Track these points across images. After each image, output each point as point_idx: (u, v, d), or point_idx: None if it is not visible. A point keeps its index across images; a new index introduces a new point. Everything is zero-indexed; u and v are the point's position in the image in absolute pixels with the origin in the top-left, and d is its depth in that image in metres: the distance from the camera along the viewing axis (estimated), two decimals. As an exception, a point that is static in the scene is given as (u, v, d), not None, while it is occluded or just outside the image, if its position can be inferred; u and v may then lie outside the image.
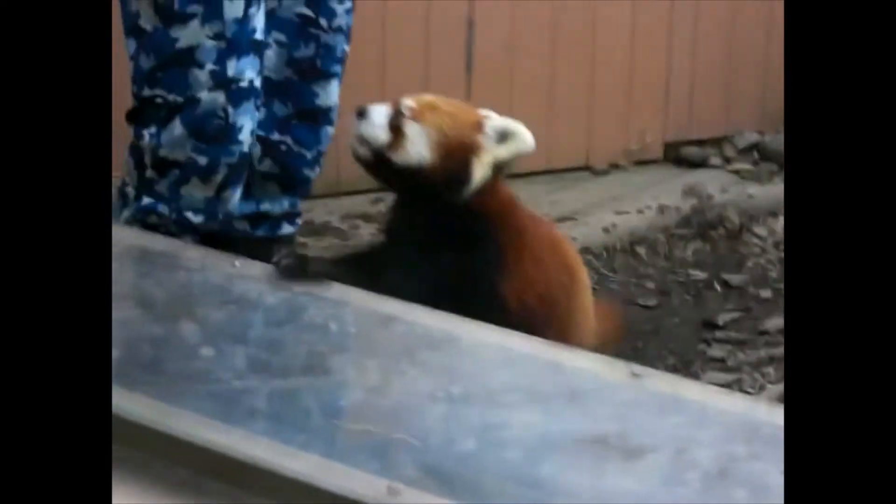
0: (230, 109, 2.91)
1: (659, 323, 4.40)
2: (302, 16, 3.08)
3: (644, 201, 5.29)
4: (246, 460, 1.83)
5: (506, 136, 2.72)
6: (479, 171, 2.66)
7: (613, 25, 5.57)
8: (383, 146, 2.61)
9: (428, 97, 2.72)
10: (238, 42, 2.90)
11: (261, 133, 3.09)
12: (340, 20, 3.11)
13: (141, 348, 2.12)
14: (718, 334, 4.25)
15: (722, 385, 3.30)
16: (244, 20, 2.90)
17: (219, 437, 1.86)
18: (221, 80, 2.90)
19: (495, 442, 1.96)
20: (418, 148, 2.63)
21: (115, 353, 2.08)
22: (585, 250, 4.95)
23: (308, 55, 3.10)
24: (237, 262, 2.46)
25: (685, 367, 4.03)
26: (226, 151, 2.93)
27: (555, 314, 2.71)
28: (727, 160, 5.65)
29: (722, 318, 4.35)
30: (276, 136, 3.14)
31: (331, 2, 3.09)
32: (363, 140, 2.62)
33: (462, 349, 2.20)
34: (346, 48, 3.14)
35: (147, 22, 2.91)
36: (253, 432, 1.90)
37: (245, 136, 2.95)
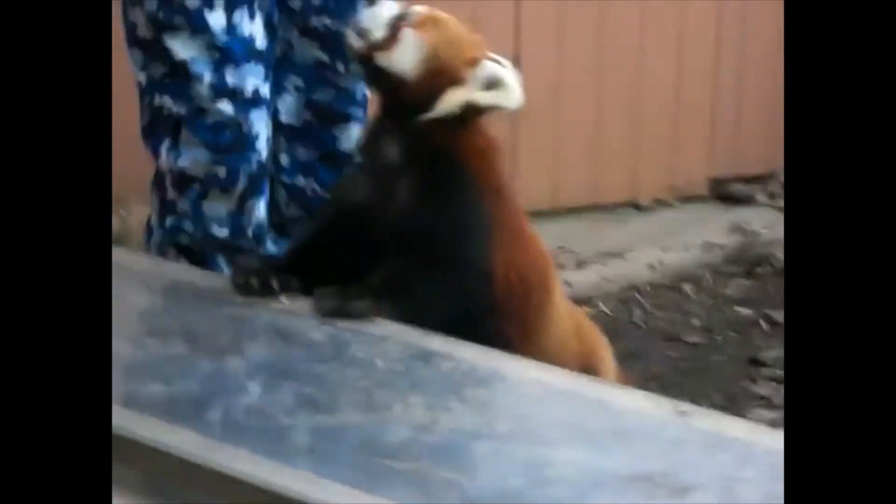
0: (241, 118, 2.90)
1: (704, 360, 4.39)
2: (318, 61, 3.06)
3: (690, 238, 5.28)
4: (292, 496, 1.83)
5: (495, 84, 2.56)
6: (446, 104, 2.52)
7: (659, 62, 5.57)
8: (375, 43, 2.53)
9: (440, 13, 2.61)
10: (231, 50, 2.89)
11: (286, 179, 3.09)
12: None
13: (188, 384, 2.13)
14: (764, 372, 4.24)
15: (768, 423, 3.27)
16: (231, 28, 2.88)
17: (265, 474, 1.87)
18: (223, 90, 2.89)
19: (542, 479, 1.95)
20: (405, 58, 2.53)
21: (162, 389, 2.10)
22: (631, 287, 4.95)
23: (326, 100, 3.08)
24: (284, 299, 2.46)
25: (731, 404, 4.02)
26: (243, 160, 2.91)
27: (530, 303, 2.61)
28: (773, 197, 5.64)
29: (768, 356, 4.34)
30: (301, 181, 3.11)
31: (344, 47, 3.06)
32: (360, 31, 2.54)
33: (507, 386, 2.20)
34: (367, 92, 3.09)
35: (144, 30, 2.91)
36: (299, 468, 1.90)
37: (261, 145, 2.93)
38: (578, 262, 5.05)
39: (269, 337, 2.29)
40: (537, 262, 2.67)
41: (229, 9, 2.87)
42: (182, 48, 2.87)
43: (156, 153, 2.97)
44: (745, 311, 4.78)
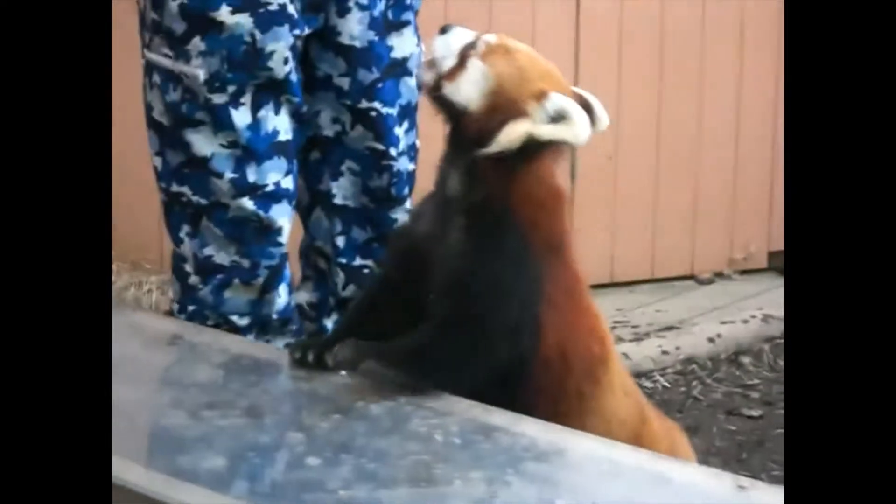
0: (262, 214, 2.87)
1: (764, 434, 4.35)
2: (372, 149, 3.01)
3: (749, 311, 5.26)
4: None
5: (561, 117, 2.38)
6: (505, 136, 2.37)
7: (717, 133, 5.57)
8: (442, 73, 2.43)
9: (512, 42, 2.47)
10: (253, 147, 2.85)
11: (343, 260, 3.06)
12: (403, 143, 3.04)
13: (248, 457, 2.13)
14: (825, 446, 4.19)
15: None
16: (255, 124, 2.85)
17: (325, 548, 1.87)
18: (244, 188, 2.86)
19: (602, 555, 1.94)
20: (469, 88, 2.41)
21: (221, 462, 2.10)
22: (690, 360, 4.92)
23: (382, 185, 3.04)
24: (343, 372, 2.46)
25: (792, 479, 3.97)
26: (265, 254, 2.90)
27: (566, 388, 2.45)
28: (833, 269, 5.60)
29: (829, 430, 4.30)
30: (357, 262, 3.08)
31: (394, 129, 3.02)
32: (430, 63, 2.45)
33: (567, 461, 2.19)
34: (411, 166, 3.08)
35: (163, 118, 2.89)
36: (359, 543, 1.90)
37: (284, 238, 2.91)
38: (636, 335, 5.04)
39: (329, 410, 2.29)
40: (588, 342, 2.49)
41: (256, 106, 2.85)
42: (203, 143, 2.84)
43: (176, 237, 2.95)
44: (805, 385, 4.74)
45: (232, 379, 2.50)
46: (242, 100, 2.83)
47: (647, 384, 4.71)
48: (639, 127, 5.44)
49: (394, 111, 3.00)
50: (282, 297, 2.95)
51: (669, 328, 5.12)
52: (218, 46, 2.80)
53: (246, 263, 2.89)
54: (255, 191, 2.86)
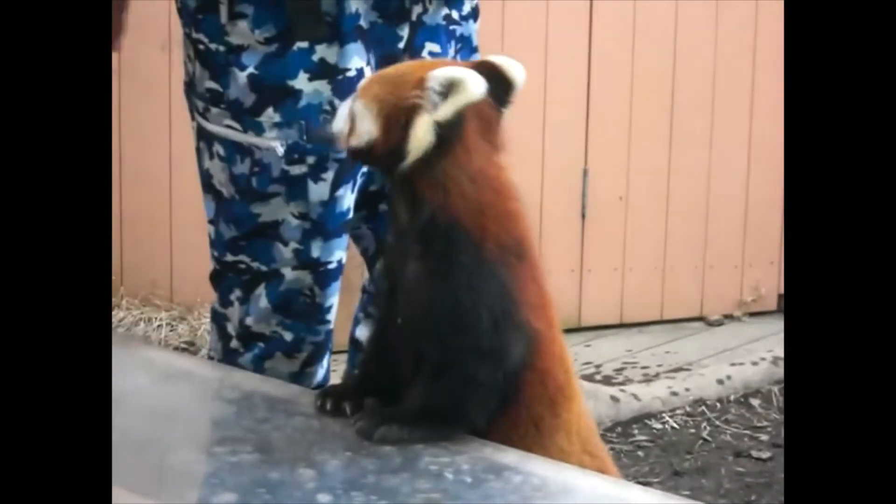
0: (316, 290, 2.81)
1: (773, 476, 4.35)
2: None
3: (758, 353, 5.27)
4: None
5: (450, 86, 2.23)
6: (415, 138, 2.24)
7: (727, 175, 5.58)
8: (346, 135, 2.34)
9: (380, 71, 2.41)
10: (324, 224, 2.77)
11: None
12: None
13: (258, 493, 2.13)
14: (835, 489, 4.18)
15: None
16: (331, 202, 2.77)
17: (335, 585, 1.86)
18: (306, 261, 2.79)
19: None
20: (364, 125, 2.29)
21: (232, 498, 2.09)
22: (699, 402, 4.92)
23: None
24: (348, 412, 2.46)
25: (800, 521, 3.96)
26: (312, 331, 2.85)
27: (539, 415, 2.37)
28: (843, 312, 5.60)
29: (838, 473, 4.29)
30: None
31: None
32: (336, 137, 2.37)
33: (578, 501, 2.18)
34: None
35: (223, 187, 2.80)
36: (369, 581, 1.90)
37: (332, 315, 2.87)
38: (646, 377, 5.04)
39: (339, 447, 2.29)
40: (555, 366, 2.39)
41: (336, 184, 2.76)
42: (271, 212, 2.75)
43: (225, 299, 2.88)
44: (814, 428, 4.74)
45: (243, 415, 2.49)
46: (324, 175, 2.74)
47: (657, 425, 4.71)
48: (650, 169, 5.45)
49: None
50: (323, 367, 2.92)
51: (679, 369, 5.12)
52: (295, 117, 2.71)
53: (288, 337, 2.84)
54: (317, 267, 2.80)
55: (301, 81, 2.70)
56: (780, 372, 5.16)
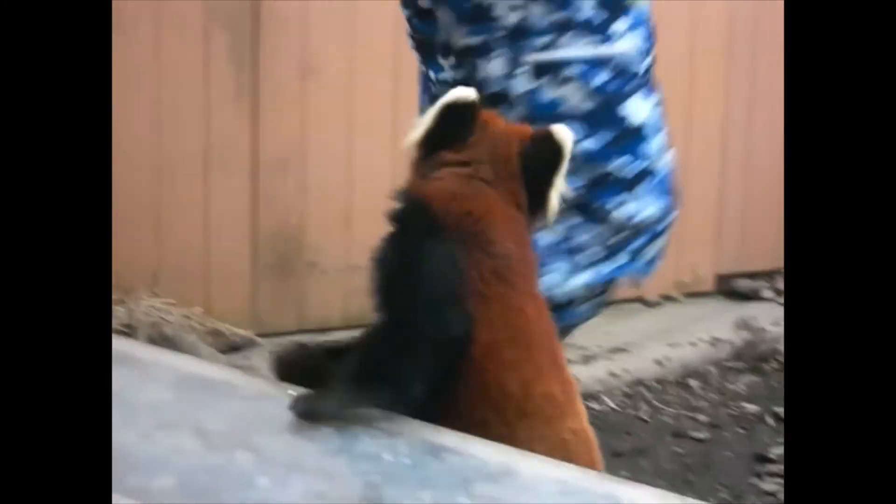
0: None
1: (711, 456, 4.38)
2: None
3: (696, 334, 5.30)
4: (301, 592, 1.83)
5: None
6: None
7: (665, 158, 5.59)
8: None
9: None
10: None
11: None
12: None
13: (197, 477, 2.12)
14: (771, 468, 4.22)
15: (775, 520, 3.26)
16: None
17: (274, 568, 1.86)
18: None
19: (551, 576, 1.94)
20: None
21: (171, 482, 2.09)
22: (638, 382, 4.94)
23: None
24: (292, 392, 2.46)
25: (737, 500, 4.00)
26: None
27: (487, 417, 2.37)
28: (779, 293, 5.65)
29: (774, 452, 4.33)
30: None
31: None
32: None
33: (519, 483, 2.19)
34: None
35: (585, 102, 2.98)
36: (308, 563, 1.90)
37: None
38: (585, 358, 5.05)
39: (278, 430, 2.28)
40: (553, 378, 2.45)
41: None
42: (636, 111, 3.05)
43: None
44: (751, 407, 4.77)
45: (182, 398, 2.48)
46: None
47: (596, 406, 4.73)
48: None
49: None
50: None
51: (617, 350, 5.14)
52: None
53: None
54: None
55: None
56: (718, 353, 5.20)
